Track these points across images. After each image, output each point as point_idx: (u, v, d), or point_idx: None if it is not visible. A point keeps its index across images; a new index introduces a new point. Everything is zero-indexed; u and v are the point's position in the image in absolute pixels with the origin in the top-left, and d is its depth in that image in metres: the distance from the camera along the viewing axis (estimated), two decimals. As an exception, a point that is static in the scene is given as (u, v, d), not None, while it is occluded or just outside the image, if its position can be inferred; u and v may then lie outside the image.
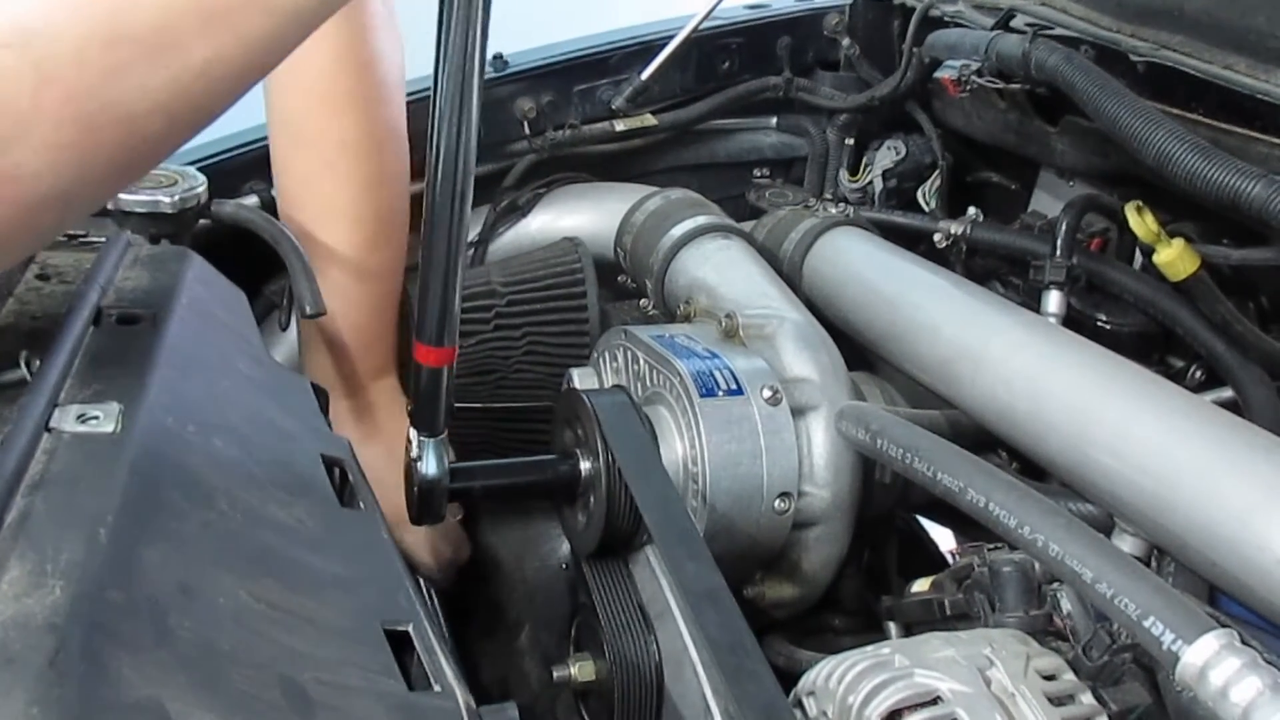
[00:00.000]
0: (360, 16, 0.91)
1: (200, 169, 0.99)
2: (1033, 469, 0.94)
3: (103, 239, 0.75)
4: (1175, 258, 1.00)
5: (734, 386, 0.86)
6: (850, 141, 1.49)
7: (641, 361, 0.92)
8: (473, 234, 1.32)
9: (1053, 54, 1.07)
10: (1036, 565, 0.72)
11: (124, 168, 0.55)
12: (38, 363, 0.58)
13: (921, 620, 0.80)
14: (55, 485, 0.49)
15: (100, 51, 0.50)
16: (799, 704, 0.64)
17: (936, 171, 1.41)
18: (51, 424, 0.53)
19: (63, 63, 0.49)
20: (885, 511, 0.99)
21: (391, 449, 0.89)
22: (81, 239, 0.76)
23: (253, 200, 1.13)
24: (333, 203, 0.99)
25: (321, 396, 0.77)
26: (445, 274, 0.67)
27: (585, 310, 1.13)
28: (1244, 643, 0.54)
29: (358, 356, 1.03)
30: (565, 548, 1.05)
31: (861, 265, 1.13)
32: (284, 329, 1.12)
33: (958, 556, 0.96)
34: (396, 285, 1.05)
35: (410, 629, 0.55)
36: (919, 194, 1.44)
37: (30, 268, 0.73)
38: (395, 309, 1.06)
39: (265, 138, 1.17)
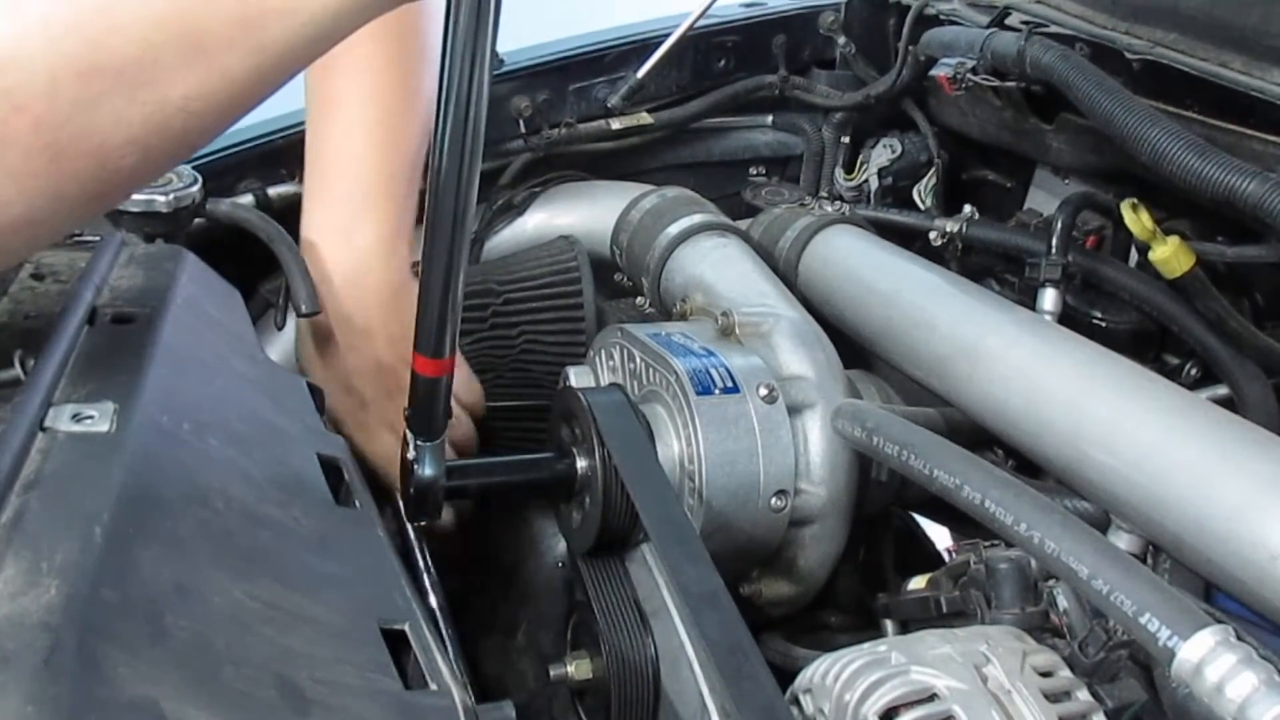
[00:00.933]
0: None
1: (195, 168, 0.99)
2: (1029, 466, 0.94)
3: (97, 238, 0.75)
4: (1170, 255, 1.00)
5: (730, 384, 0.86)
6: (846, 140, 1.49)
7: (638, 359, 0.92)
8: (471, 231, 1.32)
9: (1048, 52, 1.07)
10: (1033, 562, 0.72)
11: (96, 197, 0.54)
12: (32, 362, 0.58)
13: (918, 618, 0.80)
14: (50, 484, 0.49)
15: (74, 82, 0.49)
16: (795, 701, 0.64)
17: (932, 169, 1.41)
18: (46, 423, 0.53)
19: (34, 92, 0.48)
20: (882, 509, 0.99)
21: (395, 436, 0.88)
22: (76, 238, 0.76)
23: (248, 199, 1.12)
24: (373, 70, 0.95)
25: (317, 395, 0.77)
26: (445, 286, 0.66)
27: (581, 308, 1.13)
28: (1239, 639, 0.54)
29: (390, 220, 0.99)
30: (562, 546, 1.05)
31: (857, 263, 1.13)
32: (280, 328, 1.12)
33: (954, 554, 0.96)
34: (417, 174, 1.00)
35: (407, 628, 0.55)
36: (915, 192, 1.44)
37: (25, 267, 0.73)
38: (415, 190, 1.00)
39: (260, 136, 1.17)
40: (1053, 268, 1.07)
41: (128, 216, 0.92)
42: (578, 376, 0.95)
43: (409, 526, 0.96)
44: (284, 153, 1.14)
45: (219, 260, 0.81)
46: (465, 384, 1.04)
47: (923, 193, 1.43)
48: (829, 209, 1.24)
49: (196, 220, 0.97)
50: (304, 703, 0.45)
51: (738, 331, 0.94)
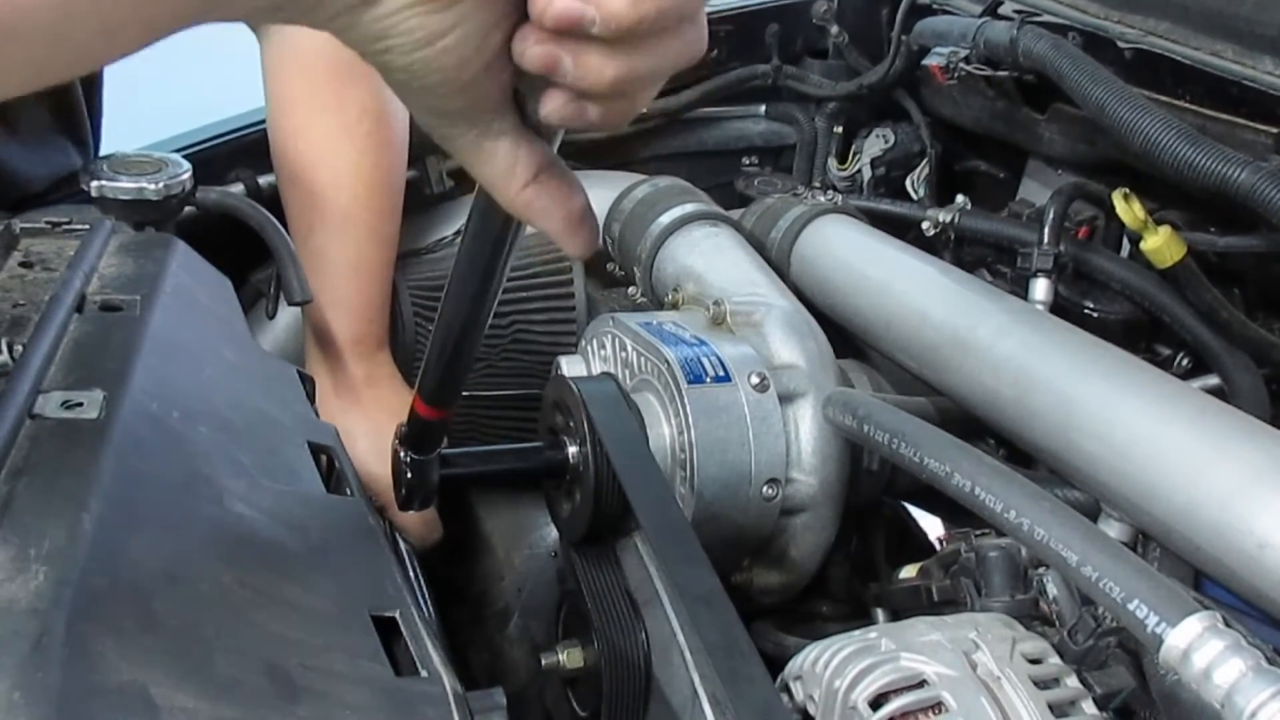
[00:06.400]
0: None
1: (185, 156, 0.99)
2: (1020, 455, 0.95)
3: (86, 226, 0.75)
4: (1162, 245, 1.01)
5: (721, 373, 0.86)
6: (839, 130, 1.49)
7: (629, 349, 0.92)
8: (459, 223, 1.32)
9: (1040, 41, 1.07)
10: (1023, 550, 0.73)
11: None
12: (20, 349, 0.58)
13: (909, 606, 0.80)
14: (38, 472, 0.49)
15: None
16: (785, 689, 0.64)
17: (925, 160, 1.41)
18: (34, 410, 0.53)
19: None
20: (873, 499, 0.99)
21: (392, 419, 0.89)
22: (65, 226, 0.76)
23: (238, 188, 1.12)
24: (353, 166, 1.01)
25: (308, 383, 0.77)
26: (457, 342, 0.63)
27: (572, 298, 1.13)
28: (1227, 625, 0.54)
29: (358, 328, 1.04)
30: (554, 536, 1.05)
31: (849, 253, 1.13)
32: (271, 317, 1.11)
33: (945, 543, 0.96)
34: (394, 255, 1.08)
35: (397, 615, 0.55)
36: (907, 182, 1.44)
37: (13, 255, 0.73)
38: (391, 280, 1.09)
39: (250, 125, 1.17)
40: (1044, 258, 1.07)
41: (117, 204, 0.91)
42: (569, 366, 0.95)
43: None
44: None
45: (209, 249, 0.81)
46: (421, 523, 1.07)
47: (915, 183, 1.43)
48: (822, 199, 1.24)
49: (186, 208, 0.97)
50: (294, 689, 0.45)
51: (729, 321, 0.94)
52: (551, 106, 0.41)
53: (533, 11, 0.38)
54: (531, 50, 0.39)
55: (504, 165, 0.43)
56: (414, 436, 0.76)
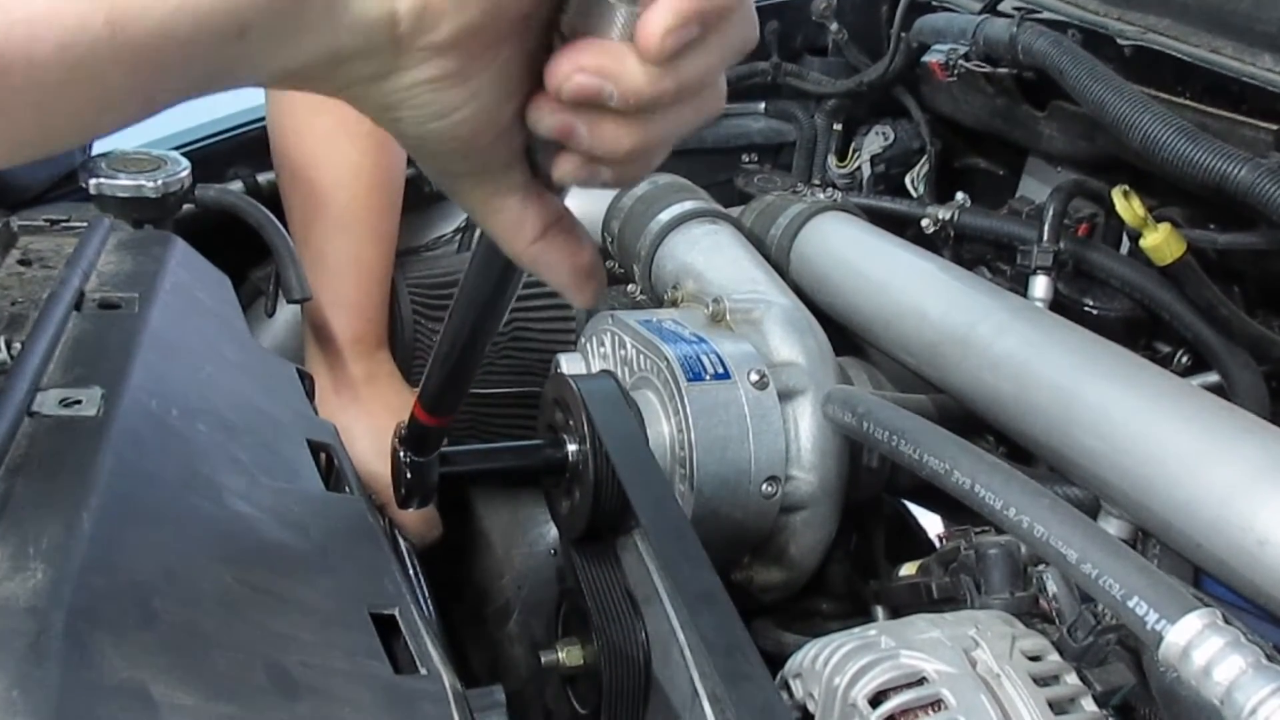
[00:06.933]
0: None
1: (184, 154, 0.99)
2: (1020, 453, 0.95)
3: (84, 224, 0.75)
4: (1162, 242, 1.00)
5: (721, 371, 0.86)
6: (838, 127, 1.49)
7: (629, 346, 0.92)
8: (459, 220, 1.32)
9: (1040, 38, 1.07)
10: (1022, 548, 0.73)
11: None
12: (18, 346, 0.58)
13: (909, 604, 0.80)
14: (37, 469, 0.49)
15: None
16: (785, 686, 0.64)
17: (924, 157, 1.41)
18: (33, 408, 0.53)
19: None
20: (873, 496, 0.99)
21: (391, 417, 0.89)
22: (63, 224, 0.76)
23: (237, 186, 1.12)
24: (352, 165, 1.02)
25: (307, 381, 0.77)
26: (460, 356, 0.63)
27: (572, 296, 1.12)
28: (1227, 622, 0.54)
29: (357, 326, 1.04)
30: (553, 533, 1.05)
31: (849, 250, 1.13)
32: (270, 315, 1.11)
33: (945, 541, 0.96)
34: (394, 253, 1.08)
35: (396, 613, 0.54)
36: (907, 179, 1.44)
37: (11, 253, 0.73)
38: (390, 279, 1.09)
39: (249, 123, 1.17)
40: (1044, 255, 1.07)
41: (116, 202, 0.91)
42: (569, 363, 0.95)
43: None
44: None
45: (208, 247, 0.81)
46: (421, 521, 1.07)
47: (915, 180, 1.42)
48: (821, 196, 1.23)
49: (185, 206, 0.97)
50: (293, 687, 0.45)
51: (729, 318, 0.94)
52: (565, 170, 0.41)
53: (549, 84, 0.38)
54: (546, 120, 0.39)
55: (512, 220, 0.43)
56: (414, 439, 0.76)
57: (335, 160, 1.02)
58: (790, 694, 0.64)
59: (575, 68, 0.37)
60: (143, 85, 0.35)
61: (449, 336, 0.61)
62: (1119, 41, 1.10)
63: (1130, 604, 0.55)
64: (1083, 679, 0.62)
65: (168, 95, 0.36)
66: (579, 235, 0.45)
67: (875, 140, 1.45)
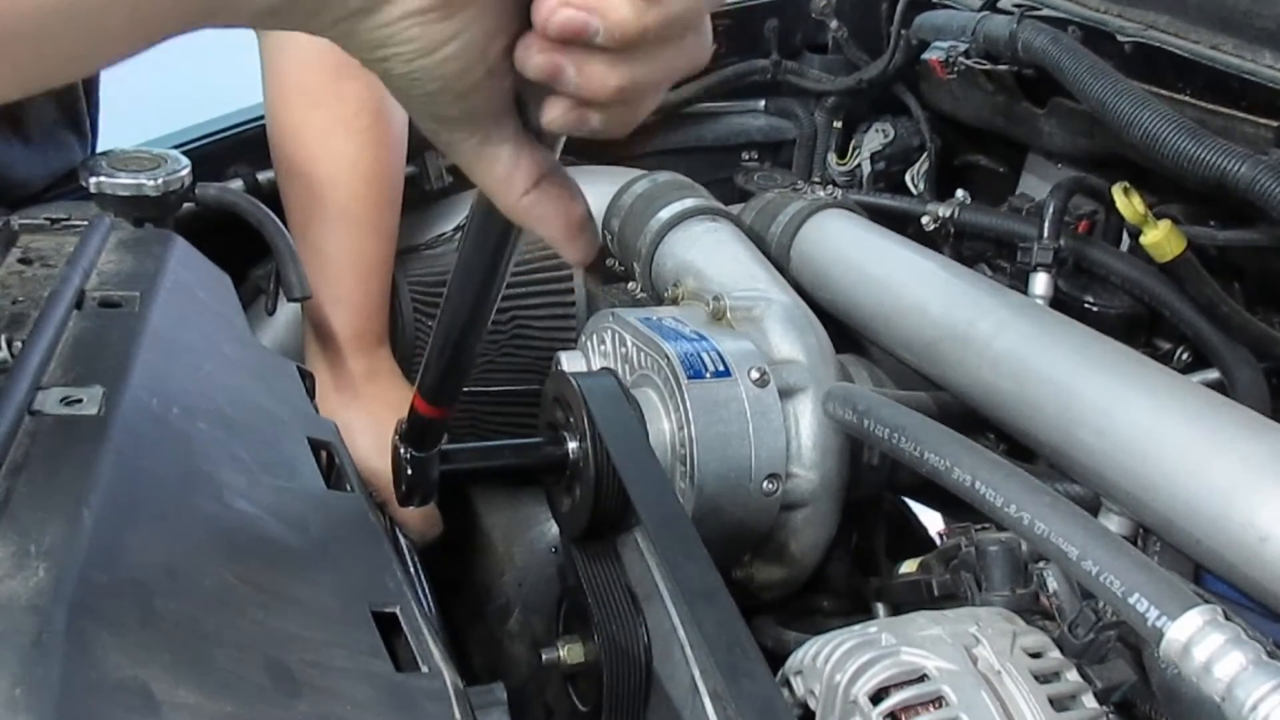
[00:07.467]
0: None
1: (184, 152, 0.98)
2: (1021, 450, 0.95)
3: (85, 222, 0.75)
4: (1162, 239, 1.00)
5: (721, 368, 0.86)
6: (838, 124, 1.49)
7: (629, 344, 0.92)
8: (460, 218, 1.31)
9: (1040, 35, 1.06)
10: (1023, 545, 0.73)
11: None
12: (19, 345, 0.58)
13: (909, 601, 0.80)
14: (38, 468, 0.49)
15: None
16: (786, 683, 0.64)
17: (924, 154, 1.41)
18: (34, 407, 0.53)
19: None
20: (873, 494, 0.99)
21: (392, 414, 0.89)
22: (64, 222, 0.76)
23: (237, 184, 1.12)
24: (351, 160, 1.02)
25: (307, 379, 0.77)
26: (458, 342, 0.63)
27: (572, 294, 1.13)
28: (1227, 619, 0.54)
29: (358, 323, 1.04)
30: (554, 531, 1.05)
31: (849, 248, 1.13)
32: (270, 313, 1.11)
33: (945, 538, 0.96)
34: (394, 250, 1.08)
35: (398, 610, 0.55)
36: (907, 177, 1.44)
37: (12, 251, 0.73)
38: (390, 276, 1.09)
39: (249, 121, 1.17)
40: (1044, 252, 1.07)
41: (116, 201, 0.91)
42: (569, 361, 0.95)
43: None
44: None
45: (208, 245, 0.81)
46: (421, 519, 1.07)
47: (915, 177, 1.42)
48: (821, 194, 1.23)
49: (185, 205, 0.97)
50: (294, 685, 0.45)
51: (729, 316, 0.94)
52: (553, 114, 0.41)
53: (536, 20, 0.38)
54: (534, 59, 0.39)
55: (504, 171, 0.43)
56: (414, 434, 0.76)
57: (333, 155, 1.02)
58: (791, 691, 0.64)
59: (562, 1, 0.37)
60: (142, 21, 0.36)
61: (447, 317, 0.61)
62: (1119, 38, 1.10)
63: (1131, 601, 0.56)
64: (1084, 676, 0.62)
65: (163, 28, 0.37)
66: (571, 188, 0.46)
67: (875, 138, 1.44)
